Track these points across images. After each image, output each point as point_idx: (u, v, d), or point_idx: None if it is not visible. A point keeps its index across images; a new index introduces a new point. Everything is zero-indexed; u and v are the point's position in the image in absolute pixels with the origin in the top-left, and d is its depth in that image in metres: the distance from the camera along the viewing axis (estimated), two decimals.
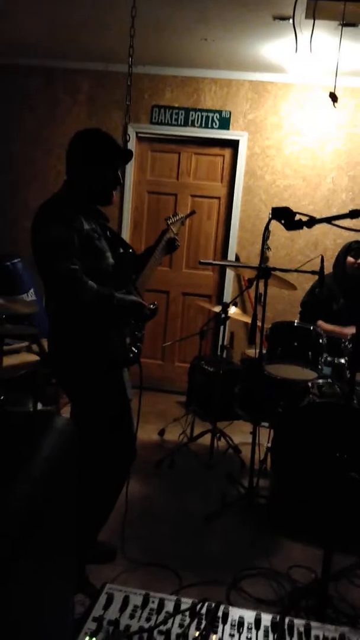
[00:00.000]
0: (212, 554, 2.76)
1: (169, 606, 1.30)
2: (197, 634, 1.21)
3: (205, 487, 3.46)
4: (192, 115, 5.17)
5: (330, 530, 1.89)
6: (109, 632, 1.21)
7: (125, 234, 5.35)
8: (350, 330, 3.66)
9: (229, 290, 5.36)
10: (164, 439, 4.22)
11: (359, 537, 2.79)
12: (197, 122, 5.17)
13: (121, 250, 2.42)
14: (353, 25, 3.54)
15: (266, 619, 1.27)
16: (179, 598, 1.32)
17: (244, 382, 3.88)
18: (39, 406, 4.11)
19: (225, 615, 1.27)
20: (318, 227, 4.77)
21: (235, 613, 1.28)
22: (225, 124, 5.15)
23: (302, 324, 3.49)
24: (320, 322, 3.81)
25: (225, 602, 2.37)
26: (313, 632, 1.23)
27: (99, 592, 1.36)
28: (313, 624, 1.26)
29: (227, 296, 5.28)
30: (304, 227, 2.13)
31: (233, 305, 3.91)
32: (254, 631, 1.23)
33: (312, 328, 3.31)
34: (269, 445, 3.31)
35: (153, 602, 1.31)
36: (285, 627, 1.24)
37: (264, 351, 3.22)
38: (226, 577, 2.54)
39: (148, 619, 1.26)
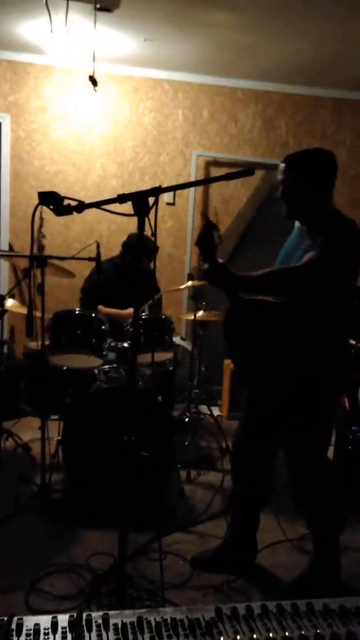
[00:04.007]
0: (8, 559, 2.61)
1: None
2: None
3: None
4: None
5: (124, 512, 1.91)
6: None
7: None
8: (129, 311, 3.75)
9: (5, 281, 5.11)
10: None
11: (153, 514, 2.89)
12: None
13: None
14: (108, 10, 3.56)
15: (63, 619, 1.21)
16: None
17: (29, 376, 3.74)
18: None
19: (20, 627, 1.19)
20: (92, 214, 4.79)
21: (30, 622, 1.20)
22: None
23: (84, 311, 3.48)
24: (100, 307, 3.83)
25: (24, 607, 2.27)
26: (111, 621, 1.21)
27: None
28: (111, 612, 1.24)
29: (3, 288, 5.03)
30: (75, 213, 2.08)
31: (10, 297, 3.72)
32: (51, 636, 1.17)
33: (93, 315, 3.31)
34: (59, 438, 3.24)
35: None
36: (83, 623, 1.20)
37: (47, 342, 3.13)
38: (26, 580, 2.42)
39: None
